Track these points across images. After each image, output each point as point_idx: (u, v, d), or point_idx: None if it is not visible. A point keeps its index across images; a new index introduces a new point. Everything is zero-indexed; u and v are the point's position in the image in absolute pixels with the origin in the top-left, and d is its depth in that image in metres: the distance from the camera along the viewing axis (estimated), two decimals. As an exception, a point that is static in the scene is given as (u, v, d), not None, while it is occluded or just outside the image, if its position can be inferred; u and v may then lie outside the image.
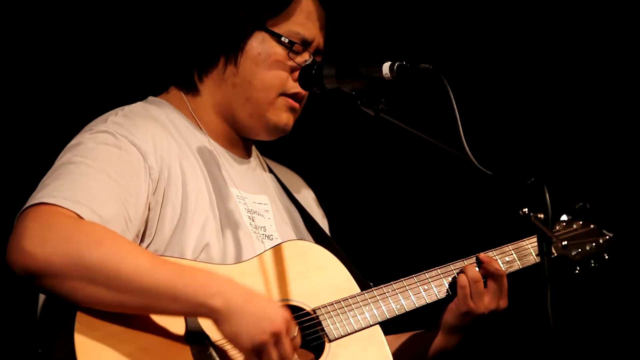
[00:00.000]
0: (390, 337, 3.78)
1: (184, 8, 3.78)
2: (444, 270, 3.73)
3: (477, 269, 3.71)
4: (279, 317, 3.20)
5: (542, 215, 3.02)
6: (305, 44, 3.70)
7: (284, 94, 3.68)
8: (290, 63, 3.68)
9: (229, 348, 3.29)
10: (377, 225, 5.28)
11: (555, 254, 3.94)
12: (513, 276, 3.80)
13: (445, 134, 3.29)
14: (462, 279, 3.68)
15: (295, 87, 3.68)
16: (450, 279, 3.72)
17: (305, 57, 3.70)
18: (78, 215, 3.18)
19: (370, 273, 3.68)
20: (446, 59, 4.97)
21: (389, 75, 3.42)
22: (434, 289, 3.69)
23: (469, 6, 5.16)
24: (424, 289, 3.68)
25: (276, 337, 3.18)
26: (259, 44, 3.66)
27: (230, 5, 3.68)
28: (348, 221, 4.95)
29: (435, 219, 5.24)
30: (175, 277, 3.16)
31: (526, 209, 3.08)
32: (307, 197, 4.02)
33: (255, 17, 3.66)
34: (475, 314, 3.68)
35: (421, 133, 3.36)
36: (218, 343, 3.27)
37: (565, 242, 3.94)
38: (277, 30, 3.67)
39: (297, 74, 3.66)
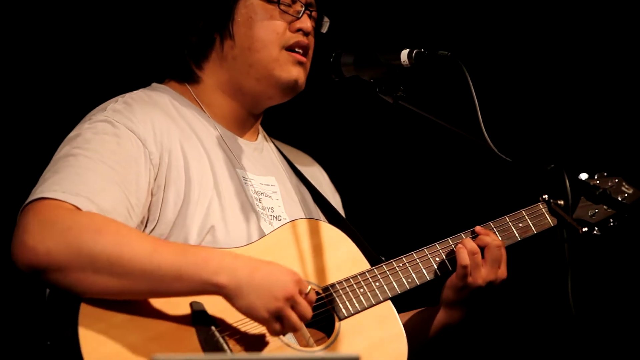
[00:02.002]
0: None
1: (167, 3, 3.75)
2: (455, 240, 3.66)
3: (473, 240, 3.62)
4: (289, 280, 3.20)
5: (562, 202, 3.03)
6: None
7: (285, 48, 3.63)
8: (284, 16, 3.63)
9: (235, 333, 3.27)
10: (396, 208, 5.29)
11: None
12: (531, 260, 3.78)
13: (464, 121, 3.29)
14: (463, 257, 3.60)
15: (295, 37, 3.63)
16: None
17: (297, 8, 3.65)
18: (77, 208, 3.19)
19: (383, 248, 3.66)
20: (464, 46, 4.97)
21: (407, 62, 3.43)
22: (446, 261, 3.64)
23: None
24: (435, 261, 3.64)
25: (291, 300, 3.19)
26: (248, 9, 3.62)
27: None
28: (365, 201, 4.97)
29: (451, 203, 5.24)
30: (178, 257, 3.15)
31: (546, 195, 3.08)
32: (317, 174, 3.99)
33: None
34: (473, 287, 3.60)
35: (440, 120, 3.37)
36: (225, 329, 3.26)
37: (581, 205, 3.83)
38: None
39: (294, 25, 3.63)
